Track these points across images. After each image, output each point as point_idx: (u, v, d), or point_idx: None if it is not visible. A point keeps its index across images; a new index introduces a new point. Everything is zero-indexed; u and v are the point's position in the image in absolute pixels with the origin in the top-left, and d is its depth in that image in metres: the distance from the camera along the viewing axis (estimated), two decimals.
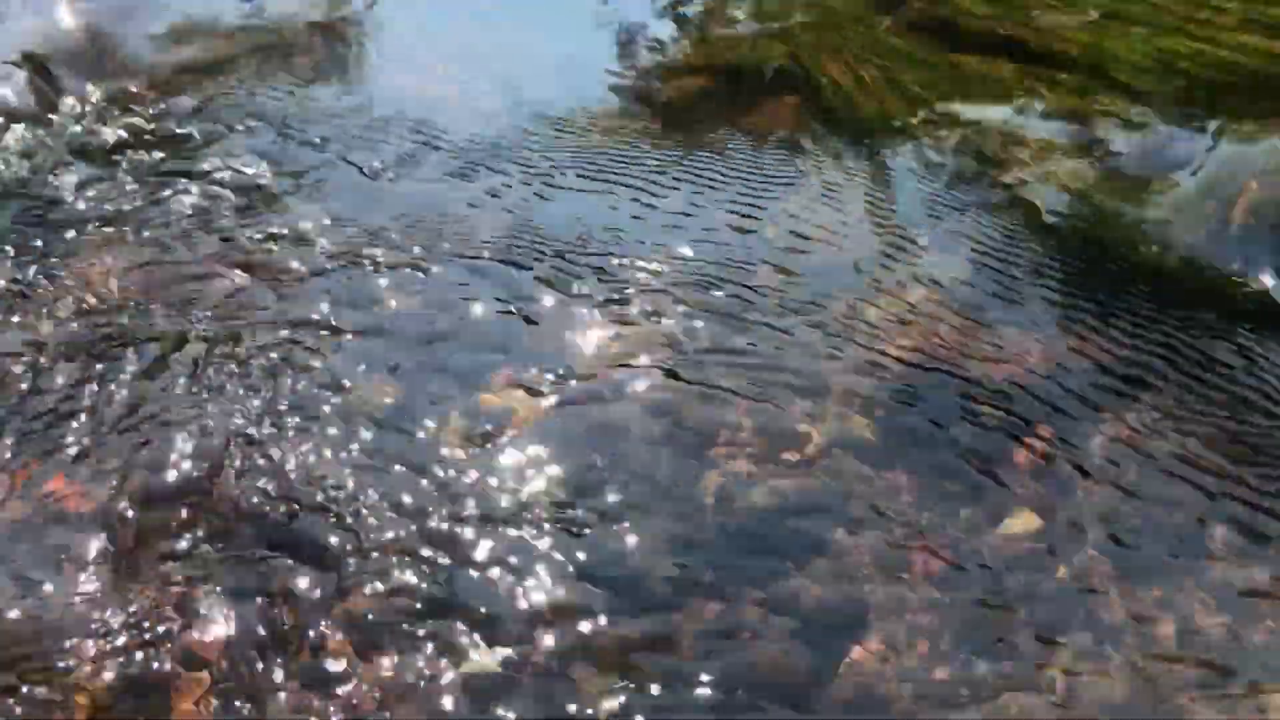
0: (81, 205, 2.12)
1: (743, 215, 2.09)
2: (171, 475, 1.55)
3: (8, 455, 1.60)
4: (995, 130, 2.29)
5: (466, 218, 2.10)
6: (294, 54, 2.68)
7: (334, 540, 1.46)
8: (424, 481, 1.54)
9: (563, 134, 2.40)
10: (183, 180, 2.19)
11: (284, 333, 1.80)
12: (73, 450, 1.59)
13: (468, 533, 1.48)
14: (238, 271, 1.94)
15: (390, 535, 1.47)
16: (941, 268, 1.93)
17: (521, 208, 2.13)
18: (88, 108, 2.45)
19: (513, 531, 1.48)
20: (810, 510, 1.51)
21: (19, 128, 2.32)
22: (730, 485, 1.54)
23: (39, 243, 2.02)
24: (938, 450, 1.60)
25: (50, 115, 2.39)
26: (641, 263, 1.95)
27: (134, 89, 2.53)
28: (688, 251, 1.99)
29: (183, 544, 1.46)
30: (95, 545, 1.46)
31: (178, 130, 2.35)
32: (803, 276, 1.92)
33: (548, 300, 1.88)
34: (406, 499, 1.52)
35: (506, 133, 2.38)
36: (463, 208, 2.13)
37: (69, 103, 2.45)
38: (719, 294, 1.88)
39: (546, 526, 1.48)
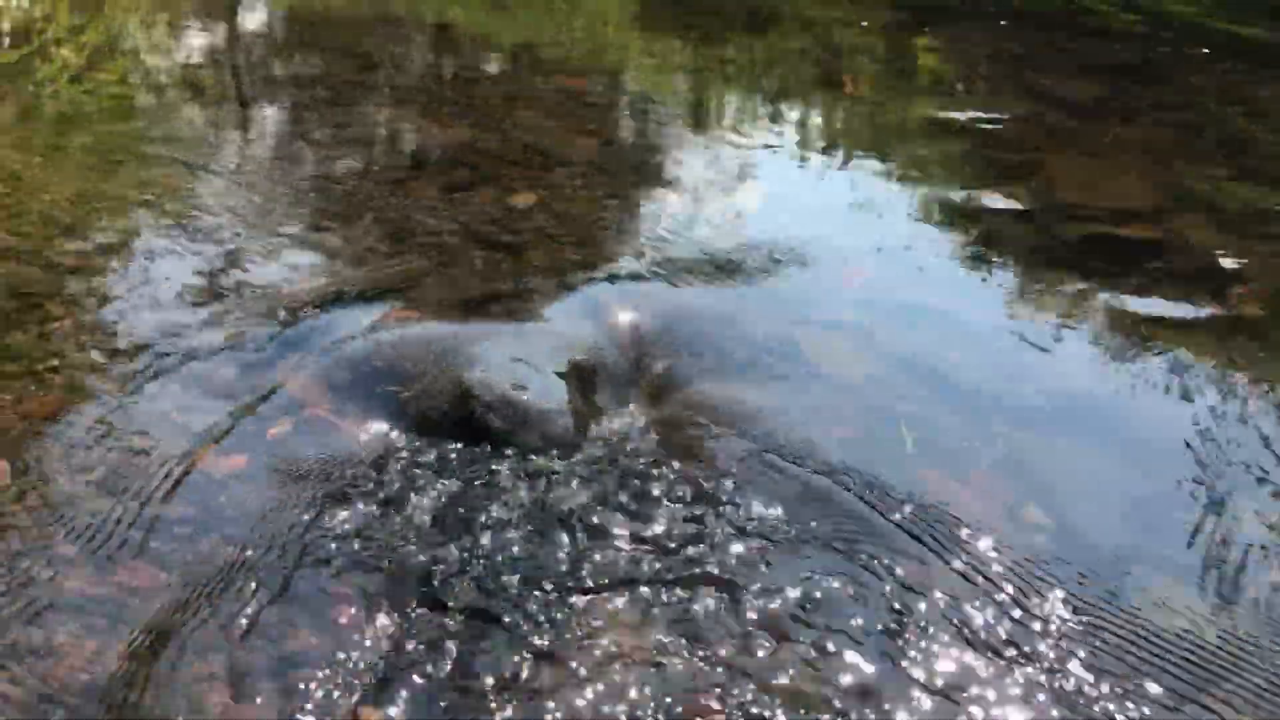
0: (604, 555, 1.94)
1: None
2: None
3: None
4: None
5: None
6: (848, 409, 2.40)
7: None
8: None
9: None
10: (719, 541, 1.97)
11: None
12: None
13: None
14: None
15: None
16: None
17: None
18: (623, 434, 2.31)
19: None
20: None
21: (552, 452, 2.22)
22: None
23: (560, 588, 1.86)
24: None
25: (584, 440, 2.27)
26: None
27: (673, 416, 2.39)
28: None
29: None
30: None
31: (720, 473, 2.15)
32: None
33: None
34: None
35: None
36: None
37: (606, 426, 2.34)
38: None
39: None
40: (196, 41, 5.36)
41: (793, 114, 4.74)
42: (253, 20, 6.02)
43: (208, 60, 4.95)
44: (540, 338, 2.63)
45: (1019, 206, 3.75)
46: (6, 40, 5.12)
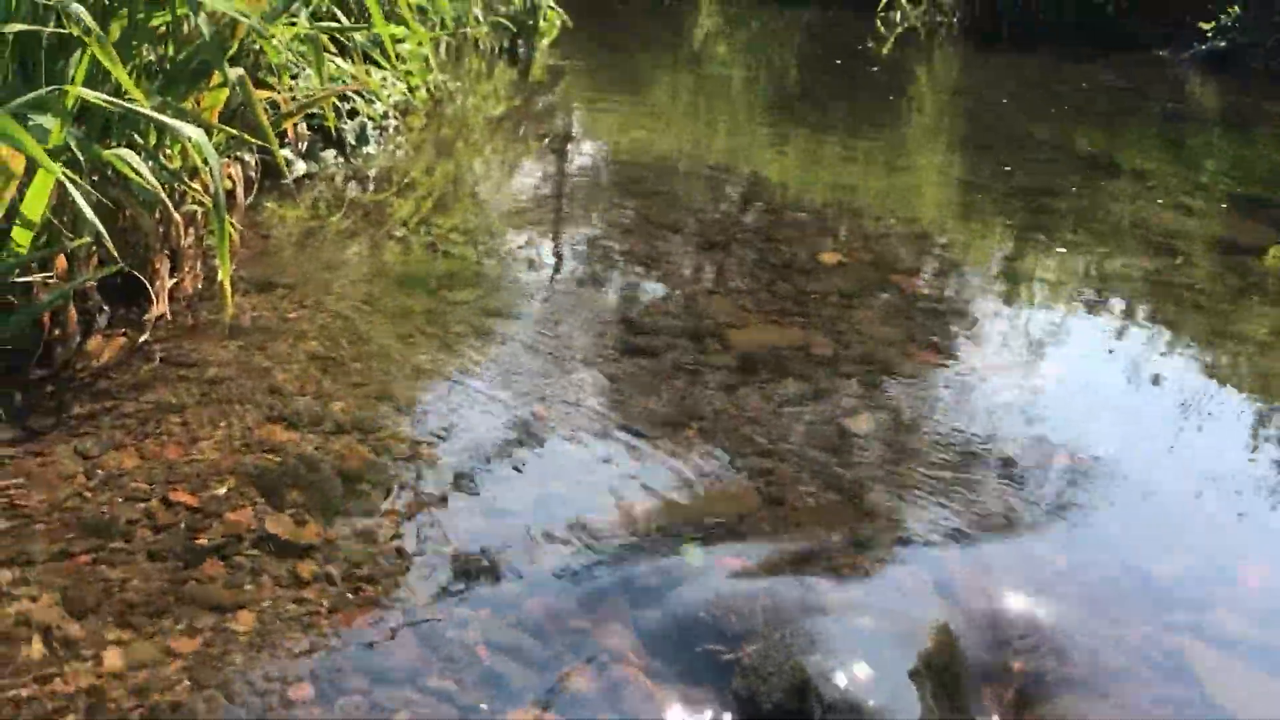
0: None
1: None
2: None
3: None
4: None
5: None
6: None
7: None
8: None
9: None
10: None
11: None
12: None
13: None
14: None
15: None
16: None
17: None
18: None
19: None
20: None
21: None
22: None
23: None
24: None
25: None
26: None
27: None
28: None
29: None
30: None
31: None
32: None
33: None
34: None
35: None
36: None
37: None
38: None
39: None
40: (529, 189, 5.50)
41: (1163, 359, 4.27)
42: (579, 164, 6.16)
43: (537, 213, 5.04)
44: (885, 615, 2.31)
45: None
46: (372, 184, 5.42)
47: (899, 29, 15.24)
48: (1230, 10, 12.28)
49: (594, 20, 13.88)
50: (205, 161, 2.75)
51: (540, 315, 3.80)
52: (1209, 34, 12.44)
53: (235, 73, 3.32)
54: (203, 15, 3.22)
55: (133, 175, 2.85)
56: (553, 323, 3.75)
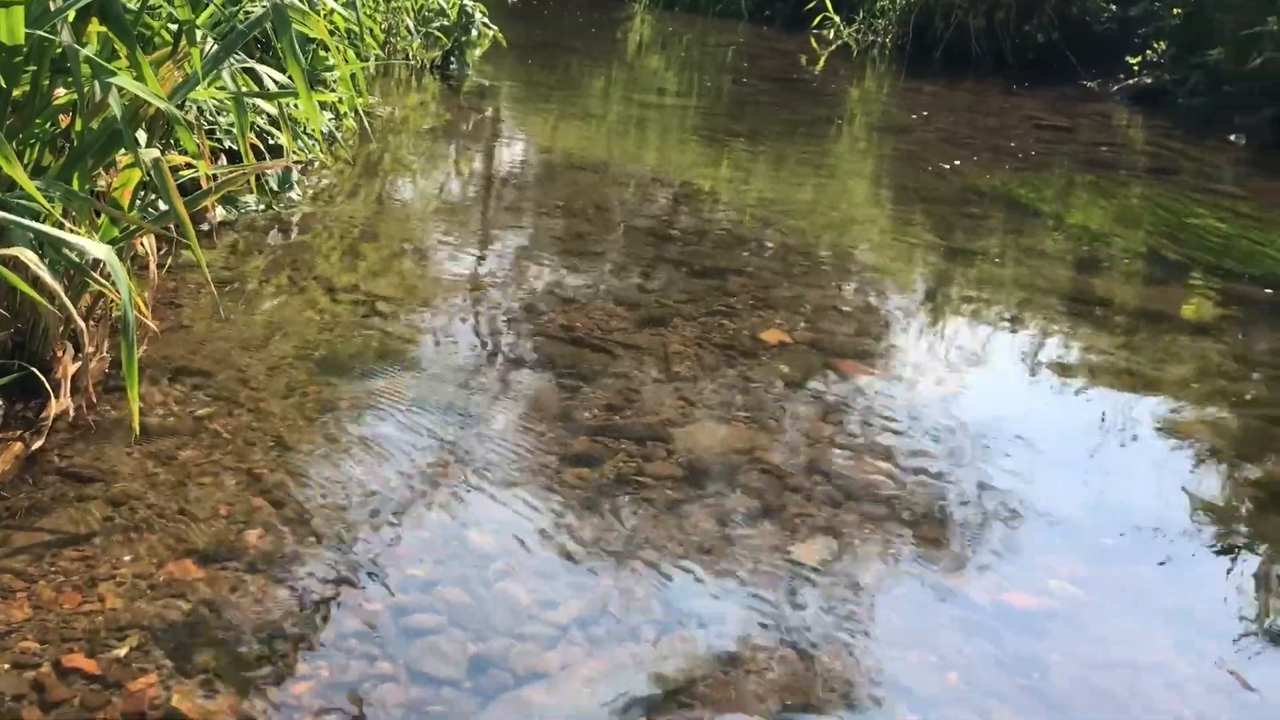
0: None
1: None
2: None
3: None
4: None
5: None
6: None
7: None
8: None
9: None
10: None
11: None
12: None
13: None
14: None
15: None
16: None
17: None
18: None
19: None
20: None
21: None
22: None
23: None
24: None
25: None
26: None
27: None
28: None
29: None
30: None
31: None
32: None
33: None
34: None
35: None
36: None
37: None
38: None
39: None
40: (460, 237, 5.29)
41: None
42: (516, 207, 5.96)
43: (467, 270, 4.83)
44: None
45: None
46: (294, 231, 5.15)
47: (832, 47, 15.21)
48: (1157, 45, 12.47)
49: (525, 30, 13.61)
50: (113, 282, 2.50)
51: (473, 412, 3.60)
52: (1136, 69, 12.62)
53: (150, 154, 3.05)
54: (114, 93, 2.95)
55: (27, 289, 2.58)
56: (487, 420, 3.55)
